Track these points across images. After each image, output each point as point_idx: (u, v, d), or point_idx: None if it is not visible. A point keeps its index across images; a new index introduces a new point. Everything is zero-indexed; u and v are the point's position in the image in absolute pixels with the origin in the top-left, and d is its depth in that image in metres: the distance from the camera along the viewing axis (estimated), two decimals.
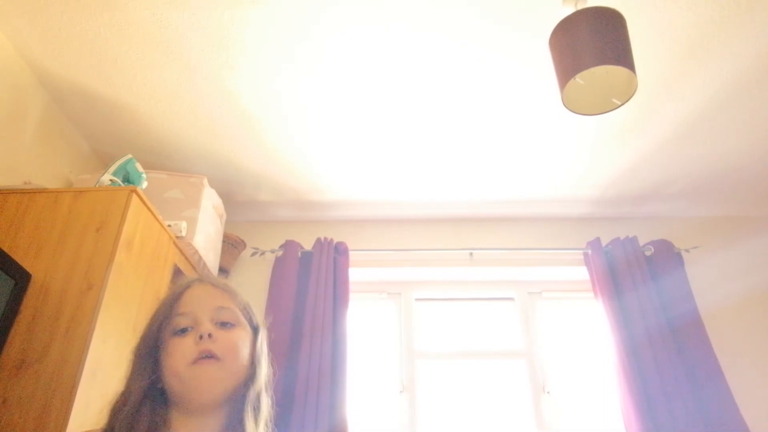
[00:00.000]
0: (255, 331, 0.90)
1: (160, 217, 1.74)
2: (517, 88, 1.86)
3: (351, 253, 2.44)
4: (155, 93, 1.89)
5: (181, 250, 1.91)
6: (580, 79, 1.35)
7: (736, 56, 1.73)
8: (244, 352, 0.84)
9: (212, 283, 0.91)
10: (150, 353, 0.82)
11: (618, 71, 1.34)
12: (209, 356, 0.79)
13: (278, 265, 2.41)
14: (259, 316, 0.96)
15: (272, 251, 2.48)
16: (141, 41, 1.68)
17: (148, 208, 1.65)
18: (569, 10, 1.41)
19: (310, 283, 2.29)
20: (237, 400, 0.82)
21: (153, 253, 1.69)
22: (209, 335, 0.80)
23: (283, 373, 2.07)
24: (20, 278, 1.33)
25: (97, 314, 1.35)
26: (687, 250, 2.45)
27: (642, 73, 1.77)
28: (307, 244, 2.47)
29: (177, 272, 1.87)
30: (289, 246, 2.43)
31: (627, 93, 1.35)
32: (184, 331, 0.82)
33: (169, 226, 1.82)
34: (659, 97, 1.90)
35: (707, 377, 2.07)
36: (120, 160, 1.79)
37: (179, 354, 0.80)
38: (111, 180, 1.70)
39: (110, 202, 1.53)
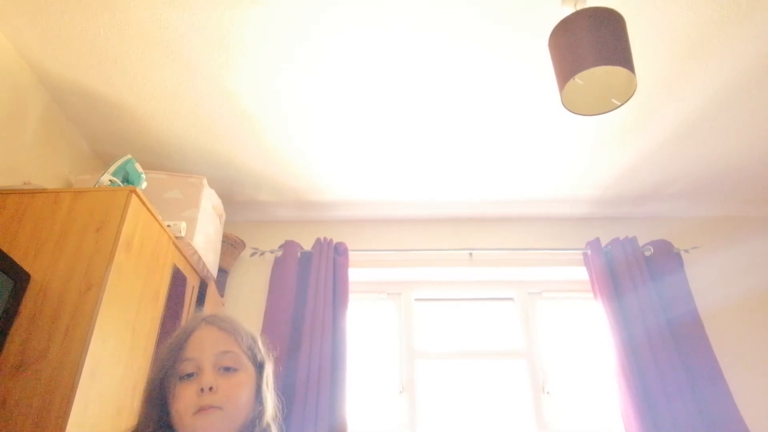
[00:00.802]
0: (260, 367, 0.93)
1: (159, 218, 1.74)
2: (517, 88, 1.86)
3: (351, 253, 2.44)
4: (155, 93, 1.89)
5: (180, 251, 1.91)
6: (579, 80, 1.35)
7: (736, 56, 1.73)
8: (245, 396, 0.88)
9: (217, 325, 0.93)
10: (159, 395, 0.86)
11: (617, 71, 1.34)
12: (212, 407, 0.84)
13: (278, 265, 2.41)
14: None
15: (272, 251, 2.48)
16: (141, 41, 1.68)
17: (148, 209, 1.65)
18: (569, 10, 1.41)
19: (309, 284, 2.29)
20: None
21: (152, 254, 1.69)
22: (210, 388, 0.84)
23: (283, 373, 2.07)
24: (20, 278, 1.33)
25: (97, 314, 1.35)
26: (687, 250, 2.45)
27: (642, 73, 1.77)
28: (307, 244, 2.47)
29: (176, 272, 1.87)
30: (288, 246, 2.43)
31: (626, 93, 1.35)
32: (189, 376, 0.86)
33: (169, 226, 1.82)
34: (659, 97, 1.90)
35: (707, 377, 2.07)
36: (120, 161, 1.79)
37: (183, 402, 0.84)
38: (110, 180, 1.70)
39: (110, 202, 1.53)
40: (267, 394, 0.92)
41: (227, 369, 0.88)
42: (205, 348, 0.89)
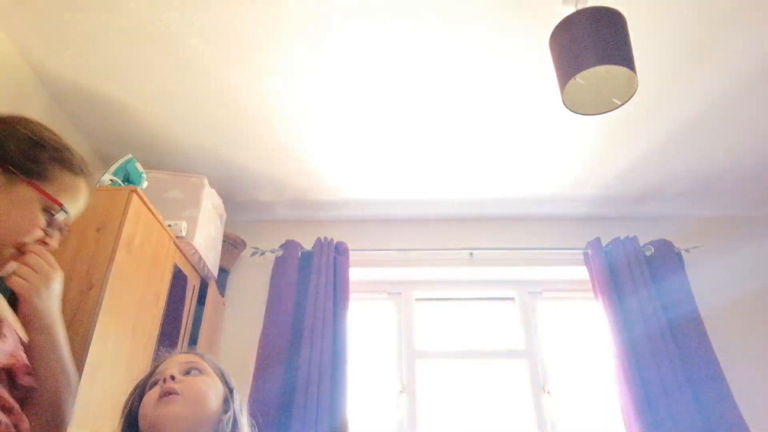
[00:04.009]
0: (230, 390, 0.98)
1: (160, 217, 1.74)
2: (517, 88, 1.86)
3: (351, 253, 2.44)
4: (155, 93, 1.89)
5: (181, 250, 1.91)
6: (580, 79, 1.35)
7: (736, 56, 1.73)
8: (210, 395, 0.91)
9: (187, 351, 1.04)
10: (132, 417, 0.91)
11: (618, 71, 1.34)
12: (171, 393, 0.87)
13: (278, 264, 2.41)
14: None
15: (272, 251, 2.47)
16: (141, 41, 1.68)
17: (149, 208, 1.65)
18: (569, 9, 1.41)
19: (310, 283, 2.29)
20: None
21: (153, 253, 1.69)
22: (172, 377, 0.89)
23: (283, 374, 2.07)
24: None
25: (98, 314, 1.34)
26: (687, 250, 2.45)
27: (643, 73, 1.76)
28: (307, 244, 2.47)
29: (177, 272, 1.87)
30: (289, 246, 2.43)
31: (627, 93, 1.35)
32: (155, 383, 0.93)
33: (170, 226, 1.82)
34: (660, 97, 1.90)
35: (707, 377, 2.07)
36: (120, 160, 1.79)
37: (147, 403, 0.89)
38: (111, 180, 1.70)
39: (110, 202, 1.52)
40: (242, 419, 0.95)
41: (189, 371, 0.94)
42: (173, 362, 0.97)
